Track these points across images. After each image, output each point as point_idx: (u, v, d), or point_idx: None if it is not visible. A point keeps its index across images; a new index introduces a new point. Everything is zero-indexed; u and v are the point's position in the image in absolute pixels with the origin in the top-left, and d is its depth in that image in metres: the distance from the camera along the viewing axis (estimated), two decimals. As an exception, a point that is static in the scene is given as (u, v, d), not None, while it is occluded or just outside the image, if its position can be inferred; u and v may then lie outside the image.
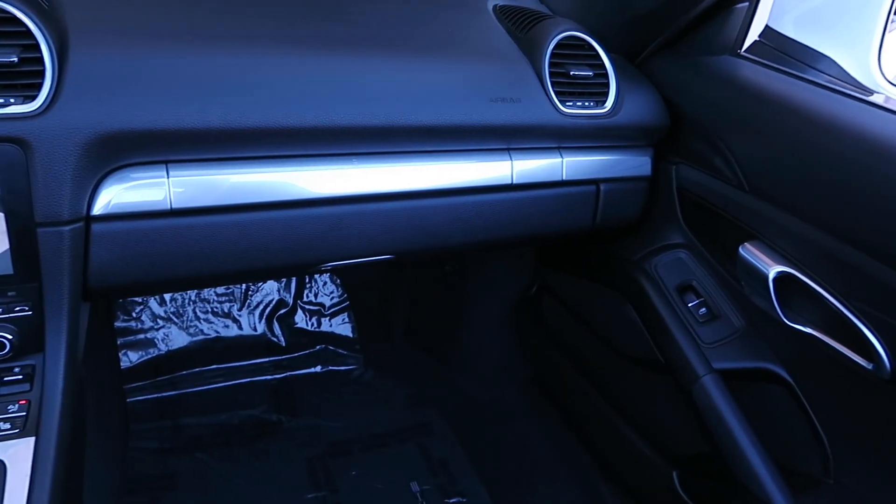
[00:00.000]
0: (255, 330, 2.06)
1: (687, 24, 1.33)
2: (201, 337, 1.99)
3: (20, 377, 0.97)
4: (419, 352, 2.09)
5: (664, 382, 1.41)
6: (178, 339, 1.98)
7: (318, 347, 2.11)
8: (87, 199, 0.95)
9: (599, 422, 1.70)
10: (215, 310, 2.01)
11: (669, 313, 1.37)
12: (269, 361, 2.05)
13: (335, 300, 2.16)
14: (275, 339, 2.08)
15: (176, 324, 1.99)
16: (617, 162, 1.35)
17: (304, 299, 2.13)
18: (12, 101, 0.88)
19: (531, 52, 1.27)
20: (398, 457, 1.88)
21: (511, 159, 1.23)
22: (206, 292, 2.04)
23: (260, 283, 2.06)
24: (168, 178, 0.99)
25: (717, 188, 1.28)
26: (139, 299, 1.97)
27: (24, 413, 0.95)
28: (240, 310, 2.04)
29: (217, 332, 2.01)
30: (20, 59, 0.87)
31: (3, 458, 0.90)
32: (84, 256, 0.97)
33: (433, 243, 1.21)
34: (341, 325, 2.16)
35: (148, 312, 1.97)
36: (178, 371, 1.97)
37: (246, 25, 1.12)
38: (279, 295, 2.09)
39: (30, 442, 0.93)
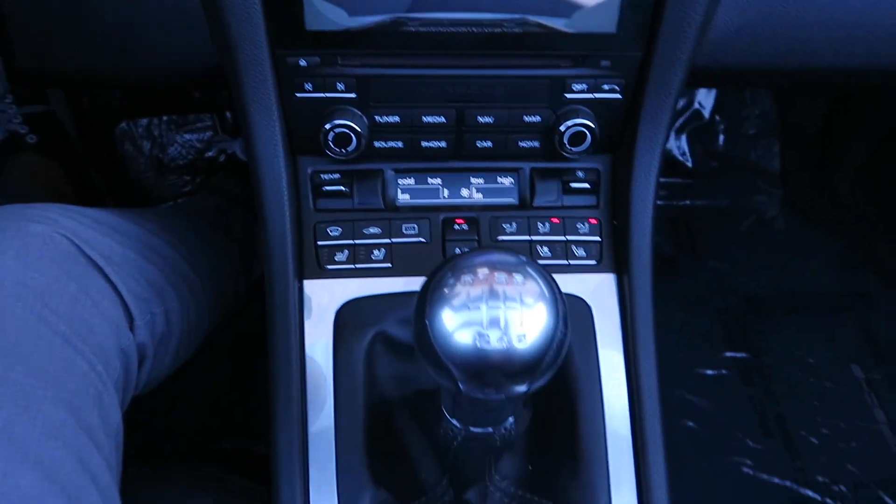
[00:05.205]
0: (662, 143, 1.69)
1: None
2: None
3: (586, 185, 0.70)
4: (868, 203, 1.60)
5: None
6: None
7: (730, 175, 1.70)
8: None
9: None
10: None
11: None
12: (671, 183, 1.70)
13: (762, 122, 1.69)
14: (681, 158, 1.70)
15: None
16: None
17: (725, 113, 1.69)
18: None
19: None
20: (832, 330, 1.50)
21: None
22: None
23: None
24: None
25: None
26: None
27: (598, 238, 0.68)
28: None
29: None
30: None
31: (586, 300, 0.65)
32: None
33: None
34: (763, 153, 1.71)
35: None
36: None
37: None
38: (696, 104, 1.68)
39: (610, 280, 0.67)
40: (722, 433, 1.34)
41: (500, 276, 0.39)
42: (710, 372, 1.42)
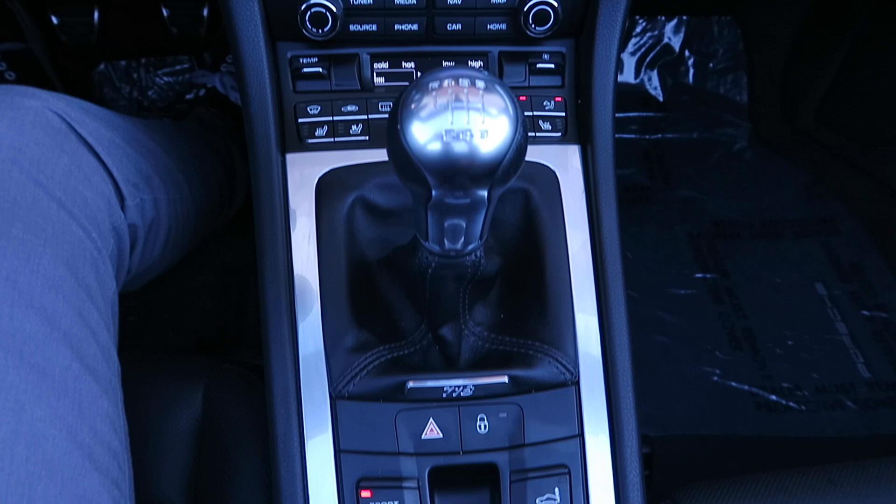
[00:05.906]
0: (633, 77, 1.74)
1: None
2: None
3: (551, 66, 0.73)
4: (830, 134, 1.65)
5: None
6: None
7: (700, 108, 1.75)
8: None
9: None
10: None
11: None
12: (642, 117, 1.74)
13: (730, 56, 1.74)
14: (653, 92, 1.75)
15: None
16: None
17: (694, 47, 1.73)
18: None
19: None
20: (797, 252, 1.56)
21: None
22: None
23: (648, 23, 1.70)
24: None
25: None
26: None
27: (563, 113, 0.72)
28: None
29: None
30: None
31: (551, 167, 0.69)
32: None
33: None
34: (731, 86, 1.76)
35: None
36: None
37: None
38: (666, 39, 1.72)
39: (574, 150, 0.71)
40: (692, 346, 1.40)
41: (463, 83, 0.43)
42: (681, 291, 1.48)
